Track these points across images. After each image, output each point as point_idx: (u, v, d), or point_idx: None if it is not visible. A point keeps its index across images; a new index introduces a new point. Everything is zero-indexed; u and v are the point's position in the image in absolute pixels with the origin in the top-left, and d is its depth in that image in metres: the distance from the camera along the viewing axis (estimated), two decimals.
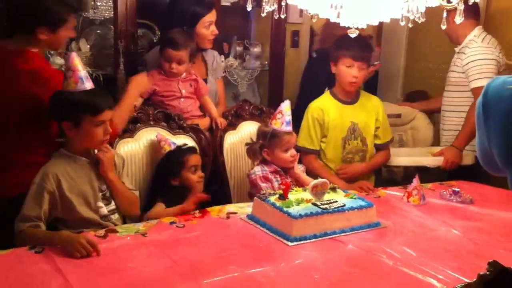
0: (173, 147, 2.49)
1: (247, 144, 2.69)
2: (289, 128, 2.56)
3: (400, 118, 3.76)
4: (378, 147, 3.02)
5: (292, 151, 2.57)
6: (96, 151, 2.14)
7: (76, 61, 2.08)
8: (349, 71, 2.84)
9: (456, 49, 3.31)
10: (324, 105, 2.94)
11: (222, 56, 3.43)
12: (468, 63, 3.17)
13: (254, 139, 2.66)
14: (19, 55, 2.20)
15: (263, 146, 2.58)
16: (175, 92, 2.82)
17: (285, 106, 2.59)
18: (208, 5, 2.98)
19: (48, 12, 2.21)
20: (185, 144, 2.54)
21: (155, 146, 2.58)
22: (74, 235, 1.86)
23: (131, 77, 2.79)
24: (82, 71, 2.08)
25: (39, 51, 2.29)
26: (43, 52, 2.41)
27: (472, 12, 3.11)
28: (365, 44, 2.92)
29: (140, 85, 2.73)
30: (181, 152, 2.45)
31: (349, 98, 2.96)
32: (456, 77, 3.29)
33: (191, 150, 2.49)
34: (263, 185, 2.50)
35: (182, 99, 2.84)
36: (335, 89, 2.97)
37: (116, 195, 2.17)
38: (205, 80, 3.01)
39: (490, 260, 1.26)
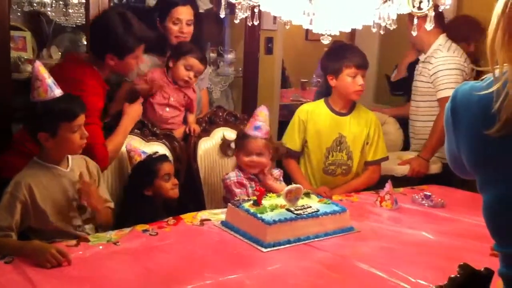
0: (143, 156, 2.45)
1: (222, 138, 2.70)
2: (257, 133, 2.53)
3: None
4: (366, 164, 2.98)
5: (253, 157, 2.52)
6: (78, 184, 2.07)
7: (42, 69, 2.06)
8: (354, 80, 2.82)
9: (421, 58, 3.35)
10: (314, 110, 2.93)
11: (210, 68, 3.41)
12: (435, 73, 3.20)
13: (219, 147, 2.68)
14: (86, 67, 2.42)
15: (236, 145, 2.59)
16: (166, 99, 2.80)
17: (260, 111, 2.59)
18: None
19: (116, 42, 2.42)
20: (155, 152, 2.50)
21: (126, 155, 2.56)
22: (44, 245, 1.83)
23: (128, 106, 2.64)
24: (49, 78, 2.06)
25: (103, 72, 2.51)
26: (107, 74, 2.57)
27: (437, 20, 3.15)
28: (362, 53, 2.93)
29: (137, 117, 2.65)
30: (152, 161, 2.41)
31: (344, 109, 2.93)
32: (423, 86, 3.32)
33: (163, 158, 2.46)
34: (237, 190, 2.50)
35: (168, 109, 2.82)
36: (331, 100, 2.94)
37: (98, 218, 2.14)
38: None
39: (461, 263, 1.28)
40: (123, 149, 2.52)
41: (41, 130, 2.01)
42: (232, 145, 2.66)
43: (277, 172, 2.66)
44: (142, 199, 2.35)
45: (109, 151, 2.39)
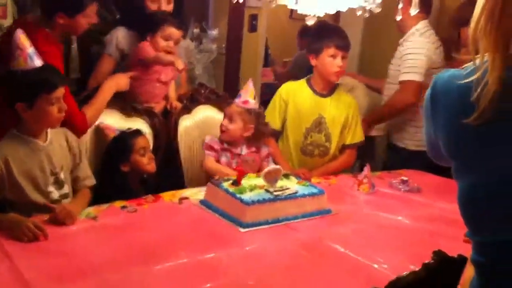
0: (117, 133, 2.44)
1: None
2: (236, 100, 2.61)
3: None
4: (343, 147, 3.00)
5: (224, 121, 2.59)
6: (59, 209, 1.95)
7: (23, 38, 2.01)
8: (333, 61, 2.81)
9: (400, 40, 3.36)
10: (296, 90, 2.93)
11: (192, 43, 3.37)
12: (403, 55, 3.18)
13: (209, 124, 2.66)
14: (38, 33, 2.25)
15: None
16: (153, 75, 2.75)
17: (246, 84, 2.64)
18: None
19: None
20: (129, 128, 2.48)
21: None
22: (21, 218, 1.82)
23: (111, 77, 2.61)
24: (30, 48, 2.01)
25: (55, 33, 2.36)
26: (59, 34, 2.43)
27: (423, 5, 3.12)
28: (345, 34, 2.91)
29: (122, 86, 2.60)
30: (127, 136, 2.41)
31: (325, 90, 2.93)
32: (394, 69, 3.30)
33: (137, 132, 2.44)
34: (206, 152, 2.56)
35: (158, 84, 2.79)
36: (312, 80, 2.94)
37: None
38: None
39: (435, 249, 1.31)
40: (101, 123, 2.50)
41: (19, 100, 1.97)
42: None
43: (265, 150, 2.65)
44: (119, 174, 2.34)
45: (88, 118, 2.35)
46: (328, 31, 2.92)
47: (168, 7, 2.87)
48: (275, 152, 2.90)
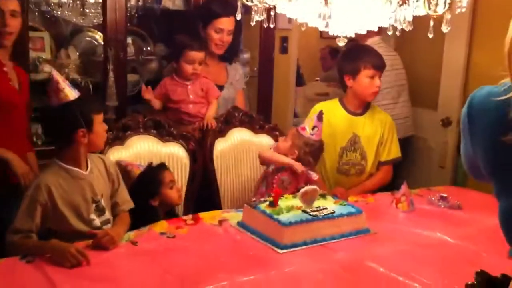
0: (141, 169, 2.42)
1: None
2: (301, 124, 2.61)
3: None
4: (380, 164, 2.98)
5: (282, 137, 2.64)
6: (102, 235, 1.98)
7: (58, 74, 2.11)
8: (372, 81, 2.82)
9: None
10: (329, 110, 2.92)
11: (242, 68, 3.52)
12: None
13: (244, 146, 2.68)
14: None
15: None
16: (185, 98, 2.91)
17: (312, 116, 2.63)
18: (227, 10, 3.00)
19: None
20: (151, 163, 2.47)
21: (146, 154, 2.59)
22: (64, 244, 1.86)
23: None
24: (66, 80, 2.12)
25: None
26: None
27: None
28: (379, 54, 2.93)
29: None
30: (155, 170, 2.40)
31: (359, 109, 2.94)
32: None
33: (163, 166, 2.45)
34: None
35: (191, 105, 2.92)
36: (346, 100, 2.95)
37: None
38: (222, 87, 3.12)
39: (478, 270, 1.28)
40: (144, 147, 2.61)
41: (80, 127, 2.04)
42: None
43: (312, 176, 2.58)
44: (149, 209, 2.33)
45: None
46: (363, 51, 2.93)
47: (228, 38, 3.06)
48: None
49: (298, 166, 2.48)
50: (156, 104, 2.91)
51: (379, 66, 2.85)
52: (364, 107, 2.95)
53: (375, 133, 2.93)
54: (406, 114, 3.72)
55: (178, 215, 2.49)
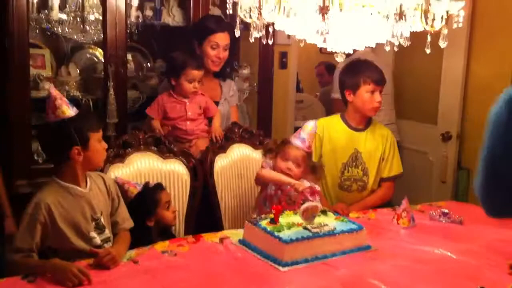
0: (138, 188, 2.41)
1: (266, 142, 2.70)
2: (299, 143, 2.50)
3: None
4: (382, 180, 2.97)
5: (289, 163, 2.50)
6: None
7: (56, 90, 2.12)
8: (372, 97, 2.82)
9: None
10: (331, 126, 2.94)
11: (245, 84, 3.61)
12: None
13: (245, 163, 2.67)
14: None
15: (275, 150, 2.58)
16: (183, 115, 2.92)
17: (307, 124, 2.56)
18: (222, 25, 3.05)
19: None
20: (147, 182, 2.47)
21: (146, 171, 2.59)
22: (65, 263, 1.86)
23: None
24: (64, 97, 2.13)
25: None
26: None
27: None
28: (379, 69, 2.93)
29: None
30: (152, 191, 2.40)
31: (360, 125, 2.94)
32: None
33: (160, 186, 2.44)
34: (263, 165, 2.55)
35: (188, 122, 2.93)
36: (347, 115, 2.95)
37: None
38: (217, 103, 3.13)
39: (479, 286, 1.28)
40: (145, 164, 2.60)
41: (75, 144, 2.04)
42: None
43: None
44: (144, 229, 2.31)
45: None
46: (363, 66, 2.93)
47: (225, 54, 3.08)
48: None
49: (299, 185, 2.46)
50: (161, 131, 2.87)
51: (380, 81, 2.85)
52: (365, 122, 2.95)
53: (376, 149, 2.93)
54: (390, 121, 3.81)
55: (175, 235, 2.48)
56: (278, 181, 2.50)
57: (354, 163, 2.90)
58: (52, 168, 2.16)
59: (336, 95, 3.49)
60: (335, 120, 2.98)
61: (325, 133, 2.93)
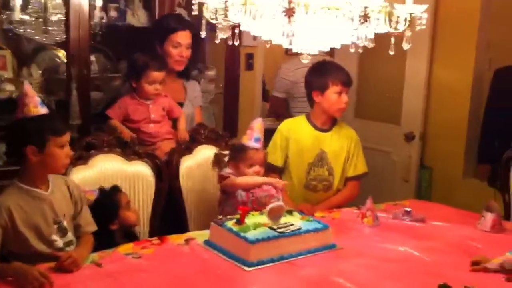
0: (96, 194, 2.34)
1: (216, 153, 2.65)
2: (257, 145, 2.50)
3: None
4: (347, 180, 2.99)
5: (256, 167, 2.50)
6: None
7: (31, 88, 2.11)
8: (339, 98, 2.84)
9: None
10: (296, 127, 2.95)
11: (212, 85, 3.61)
12: None
13: (211, 164, 2.64)
14: None
15: (230, 158, 2.56)
16: (146, 117, 2.89)
17: (256, 123, 2.55)
18: (183, 23, 3.03)
19: None
20: (102, 187, 2.40)
21: (110, 174, 2.56)
22: (26, 267, 1.81)
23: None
24: (37, 96, 2.10)
25: None
26: None
27: None
28: (345, 70, 2.96)
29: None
30: (110, 194, 2.35)
31: (325, 125, 2.96)
32: None
33: (117, 188, 2.39)
34: (225, 174, 2.50)
35: (152, 125, 2.91)
36: (312, 115, 2.97)
37: None
38: (181, 104, 3.11)
39: (440, 283, 1.31)
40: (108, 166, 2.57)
41: (30, 143, 1.99)
42: (226, 158, 2.61)
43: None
44: (107, 234, 2.26)
45: None
46: (331, 68, 2.96)
47: (187, 52, 3.04)
48: None
49: (277, 182, 2.47)
50: (127, 135, 2.79)
51: (347, 82, 2.89)
52: (331, 123, 2.97)
53: (341, 149, 2.96)
54: None
55: (139, 237, 2.45)
56: (255, 184, 2.47)
57: (319, 163, 2.92)
58: (15, 171, 2.11)
59: (276, 93, 3.91)
60: (301, 121, 3.00)
61: (291, 134, 2.95)
